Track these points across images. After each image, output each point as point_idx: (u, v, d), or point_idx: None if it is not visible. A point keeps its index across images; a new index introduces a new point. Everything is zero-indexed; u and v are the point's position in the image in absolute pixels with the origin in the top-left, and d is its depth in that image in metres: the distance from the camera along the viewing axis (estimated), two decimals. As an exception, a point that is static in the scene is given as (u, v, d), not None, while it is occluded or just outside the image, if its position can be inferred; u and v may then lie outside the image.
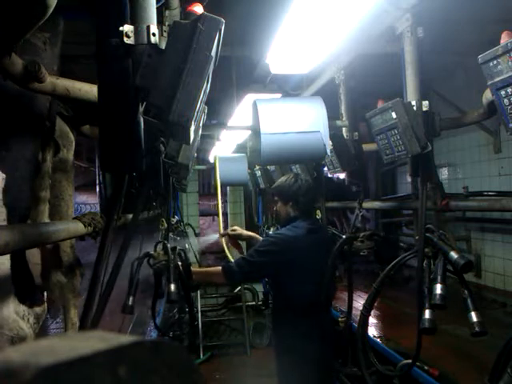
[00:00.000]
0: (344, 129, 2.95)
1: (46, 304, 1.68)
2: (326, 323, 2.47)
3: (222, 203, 9.25)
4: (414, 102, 1.87)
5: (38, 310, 1.57)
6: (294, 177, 2.55)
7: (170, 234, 2.66)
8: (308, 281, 2.38)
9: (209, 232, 10.11)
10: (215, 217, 8.84)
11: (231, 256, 2.95)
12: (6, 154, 1.42)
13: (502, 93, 1.34)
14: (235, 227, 2.89)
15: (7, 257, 1.31)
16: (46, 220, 1.68)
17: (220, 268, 2.41)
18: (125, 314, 2.03)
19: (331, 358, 2.55)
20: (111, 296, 1.32)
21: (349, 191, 6.47)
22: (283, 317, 2.50)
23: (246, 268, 2.34)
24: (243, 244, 3.06)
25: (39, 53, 1.55)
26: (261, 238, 2.76)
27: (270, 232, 4.36)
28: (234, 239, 2.83)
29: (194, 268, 2.42)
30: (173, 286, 1.98)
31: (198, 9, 1.22)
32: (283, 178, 2.62)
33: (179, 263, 2.11)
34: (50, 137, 1.70)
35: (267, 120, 2.21)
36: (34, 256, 1.71)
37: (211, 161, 5.75)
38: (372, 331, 2.95)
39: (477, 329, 1.54)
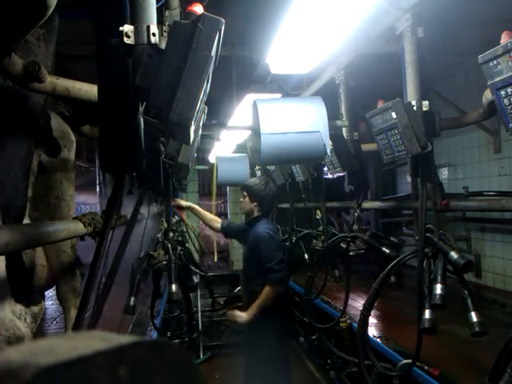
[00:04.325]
0: (344, 129, 2.95)
1: (43, 303, 1.66)
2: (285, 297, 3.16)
3: (222, 203, 9.23)
4: (414, 102, 1.87)
5: (35, 309, 1.56)
6: (265, 183, 2.98)
7: (170, 234, 2.65)
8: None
9: (208, 232, 10.08)
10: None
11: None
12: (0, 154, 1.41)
13: (502, 93, 1.34)
14: (176, 199, 3.41)
15: (2, 257, 1.29)
16: (27, 220, 1.65)
17: (268, 287, 2.73)
18: (127, 314, 2.03)
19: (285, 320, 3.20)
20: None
21: (342, 191, 6.43)
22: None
23: (281, 265, 2.80)
24: (240, 244, 3.33)
25: (33, 49, 1.51)
26: (197, 207, 3.30)
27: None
28: (178, 208, 3.34)
29: (249, 310, 2.75)
30: (174, 287, 1.98)
31: (198, 9, 1.22)
32: (256, 180, 3.08)
33: (179, 263, 2.12)
34: (43, 135, 1.68)
35: (267, 120, 2.21)
36: (40, 258, 1.71)
37: (211, 161, 5.75)
38: (372, 331, 2.95)
39: (477, 329, 1.54)
